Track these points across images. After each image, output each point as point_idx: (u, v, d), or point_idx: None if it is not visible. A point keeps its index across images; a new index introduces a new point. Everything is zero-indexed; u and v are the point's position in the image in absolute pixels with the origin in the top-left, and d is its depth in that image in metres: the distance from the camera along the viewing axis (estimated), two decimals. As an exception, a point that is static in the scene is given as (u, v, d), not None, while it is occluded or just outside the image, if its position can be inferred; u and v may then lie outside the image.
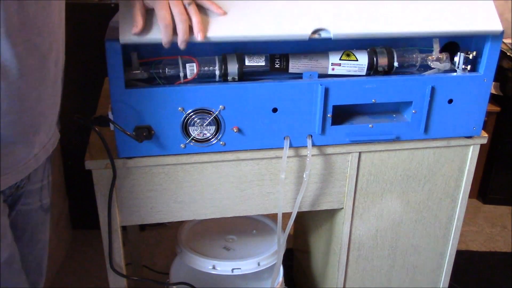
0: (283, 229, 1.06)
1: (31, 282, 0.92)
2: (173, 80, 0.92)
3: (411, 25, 0.94)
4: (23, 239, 0.88)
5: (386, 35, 0.94)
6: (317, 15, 0.90)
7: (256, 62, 0.94)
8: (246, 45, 0.95)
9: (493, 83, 1.23)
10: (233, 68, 0.92)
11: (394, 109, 1.06)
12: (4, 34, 0.65)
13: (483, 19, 0.97)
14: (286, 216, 1.05)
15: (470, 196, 1.62)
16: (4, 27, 0.65)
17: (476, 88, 1.02)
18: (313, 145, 1.01)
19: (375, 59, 0.98)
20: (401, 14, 0.94)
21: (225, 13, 0.86)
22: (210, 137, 0.96)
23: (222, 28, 0.86)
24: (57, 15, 0.78)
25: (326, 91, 0.96)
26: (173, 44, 0.83)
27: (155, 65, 0.91)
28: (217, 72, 0.92)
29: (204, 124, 0.94)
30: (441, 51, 1.00)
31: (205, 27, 0.83)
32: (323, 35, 0.90)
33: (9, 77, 0.69)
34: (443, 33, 0.97)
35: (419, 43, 1.01)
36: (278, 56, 0.95)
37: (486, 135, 1.09)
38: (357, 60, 0.97)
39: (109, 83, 0.87)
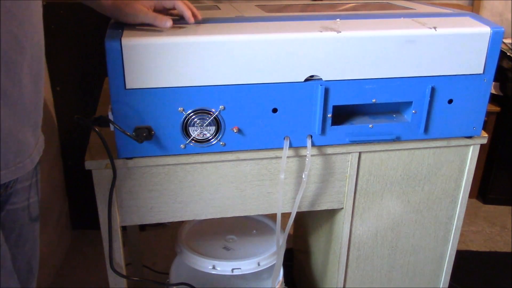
0: (283, 229, 1.06)
1: (21, 281, 0.92)
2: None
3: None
4: (11, 239, 0.87)
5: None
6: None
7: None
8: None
9: (493, 83, 1.23)
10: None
11: (394, 109, 1.06)
12: None
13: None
14: (286, 216, 1.05)
15: (470, 196, 1.62)
16: None
17: (476, 88, 1.02)
18: (313, 145, 1.01)
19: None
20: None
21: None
22: (210, 138, 0.96)
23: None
24: (36, 9, 0.77)
25: (326, 91, 0.96)
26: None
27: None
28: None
29: (204, 125, 0.94)
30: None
31: None
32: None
33: None
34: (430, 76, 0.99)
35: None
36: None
37: (486, 135, 1.09)
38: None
39: (109, 83, 0.87)
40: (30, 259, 0.94)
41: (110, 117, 0.90)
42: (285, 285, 1.33)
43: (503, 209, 2.36)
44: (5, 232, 0.85)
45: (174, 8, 0.95)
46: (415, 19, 1.02)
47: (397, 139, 1.04)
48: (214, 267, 1.20)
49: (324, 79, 0.95)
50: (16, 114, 0.75)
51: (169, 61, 0.88)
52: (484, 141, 1.09)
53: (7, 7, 0.69)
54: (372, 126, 1.02)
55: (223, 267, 1.20)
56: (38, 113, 0.84)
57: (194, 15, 0.95)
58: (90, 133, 1.03)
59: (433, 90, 1.00)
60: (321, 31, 0.92)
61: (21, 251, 0.91)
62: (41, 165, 0.94)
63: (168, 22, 0.90)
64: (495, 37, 0.98)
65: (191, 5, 0.95)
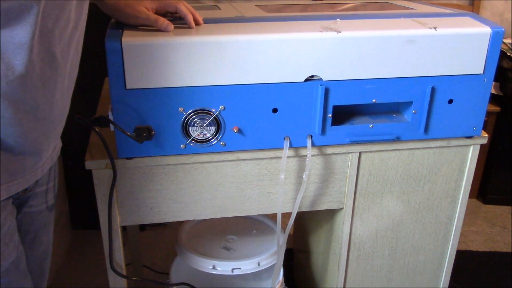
0: (283, 229, 1.06)
1: (34, 283, 0.92)
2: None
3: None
4: (26, 241, 0.88)
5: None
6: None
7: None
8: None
9: (493, 83, 1.23)
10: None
11: (394, 109, 1.06)
12: (29, 43, 0.66)
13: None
14: (286, 216, 1.05)
15: (470, 196, 1.62)
16: (30, 36, 0.66)
17: (476, 88, 1.02)
18: (313, 145, 1.01)
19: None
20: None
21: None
22: (210, 138, 0.96)
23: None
24: (75, 29, 0.79)
25: (326, 91, 0.96)
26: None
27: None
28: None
29: (204, 125, 0.94)
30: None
31: None
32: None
33: (27, 87, 0.69)
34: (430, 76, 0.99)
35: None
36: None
37: (486, 135, 1.09)
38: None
39: (109, 83, 0.87)
40: (42, 261, 0.95)
41: (110, 117, 0.90)
42: (285, 285, 1.33)
43: (503, 209, 2.36)
44: (20, 234, 0.85)
45: (176, 12, 0.95)
46: (415, 19, 1.02)
47: (397, 139, 1.04)
48: (214, 267, 1.20)
49: (324, 79, 0.95)
50: (44, 128, 0.77)
51: (169, 61, 0.88)
52: (484, 141, 1.09)
53: (48, 27, 0.70)
54: (372, 126, 1.02)
55: (223, 267, 1.20)
56: (62, 124, 0.86)
57: (195, 20, 0.94)
58: (90, 133, 1.03)
59: (433, 90, 1.00)
60: (321, 31, 0.92)
61: (35, 253, 0.91)
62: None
63: (169, 26, 0.90)
64: (495, 37, 0.98)
65: (193, 10, 0.95)
